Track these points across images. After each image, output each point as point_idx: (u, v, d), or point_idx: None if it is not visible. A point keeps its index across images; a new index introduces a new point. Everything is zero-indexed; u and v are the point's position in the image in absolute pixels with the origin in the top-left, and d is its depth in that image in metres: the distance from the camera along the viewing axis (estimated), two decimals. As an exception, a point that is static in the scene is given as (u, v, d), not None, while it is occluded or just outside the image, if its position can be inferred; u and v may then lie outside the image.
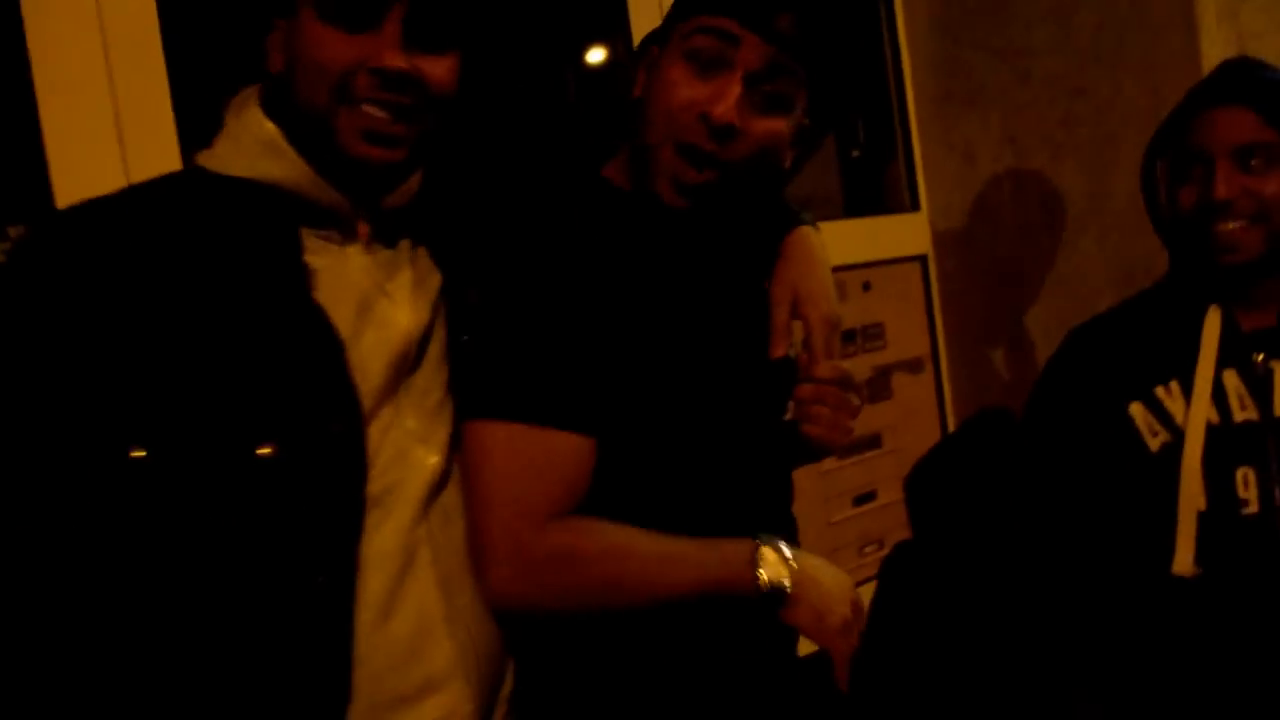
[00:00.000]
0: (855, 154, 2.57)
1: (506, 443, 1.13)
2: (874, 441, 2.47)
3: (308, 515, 1.04)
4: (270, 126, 1.10)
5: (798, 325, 1.33)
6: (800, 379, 1.30)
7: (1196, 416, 1.48)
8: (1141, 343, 1.58)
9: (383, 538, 1.09)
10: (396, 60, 1.05)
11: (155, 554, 1.00)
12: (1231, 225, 1.44)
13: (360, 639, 1.06)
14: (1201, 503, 1.46)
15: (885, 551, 2.47)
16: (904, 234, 2.55)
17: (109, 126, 1.50)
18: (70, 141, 1.47)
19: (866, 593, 2.39)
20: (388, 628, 1.08)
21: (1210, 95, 1.48)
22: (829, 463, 2.38)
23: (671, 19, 1.24)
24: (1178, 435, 1.49)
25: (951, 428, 2.60)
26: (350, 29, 1.05)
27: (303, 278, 1.09)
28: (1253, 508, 1.44)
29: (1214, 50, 2.13)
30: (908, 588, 2.45)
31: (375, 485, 1.09)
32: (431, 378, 1.17)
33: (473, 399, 1.16)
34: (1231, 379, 1.49)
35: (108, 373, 0.98)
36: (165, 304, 1.01)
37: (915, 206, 2.58)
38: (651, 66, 1.24)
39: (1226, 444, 1.47)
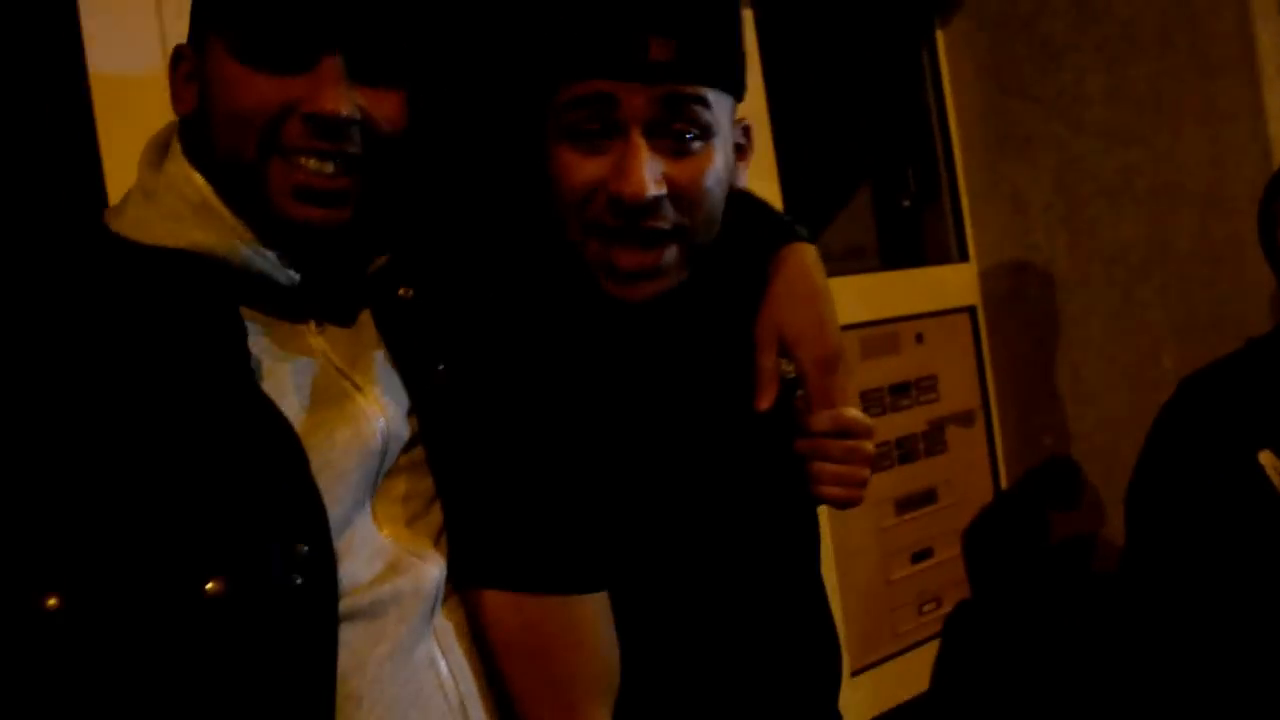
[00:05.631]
0: (906, 203, 2.53)
1: (523, 619, 1.00)
2: (929, 497, 2.41)
3: (266, 667, 0.82)
4: (200, 182, 0.89)
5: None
6: (798, 433, 1.13)
7: (1332, 467, 1.44)
8: (1264, 390, 1.54)
9: (375, 663, 0.90)
10: (337, 103, 0.86)
11: None
12: None
13: None
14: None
15: (943, 609, 2.40)
16: (952, 285, 2.51)
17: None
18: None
19: (927, 652, 2.34)
20: None
21: None
22: (886, 519, 2.32)
23: (537, 89, 1.04)
24: (1310, 486, 1.45)
25: (1004, 481, 2.55)
26: (275, 71, 0.86)
27: (248, 367, 0.87)
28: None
29: (1275, 99, 2.13)
30: (971, 648, 2.38)
31: (361, 599, 0.90)
32: (413, 483, 0.99)
33: (480, 559, 1.00)
34: (1361, 429, 1.45)
35: (5, 498, 0.78)
36: (75, 406, 0.80)
37: (964, 257, 2.55)
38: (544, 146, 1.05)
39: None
